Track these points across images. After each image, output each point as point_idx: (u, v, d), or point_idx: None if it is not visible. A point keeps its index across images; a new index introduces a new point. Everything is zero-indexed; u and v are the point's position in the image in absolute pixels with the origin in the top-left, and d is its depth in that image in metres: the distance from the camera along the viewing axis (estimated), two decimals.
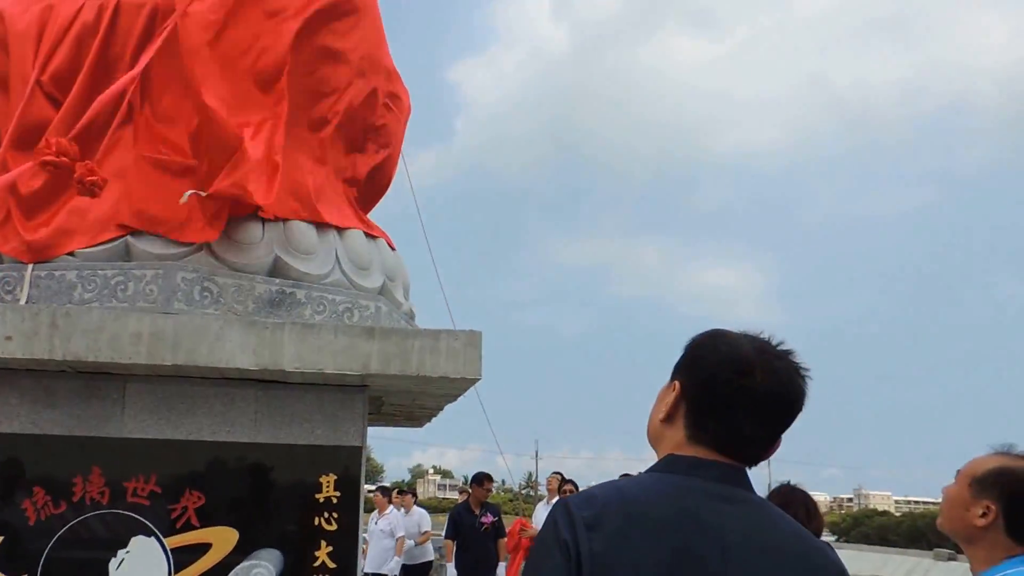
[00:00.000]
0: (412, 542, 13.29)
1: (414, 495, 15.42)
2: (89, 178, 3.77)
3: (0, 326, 3.73)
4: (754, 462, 1.89)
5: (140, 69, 4.24)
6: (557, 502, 1.87)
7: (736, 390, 1.82)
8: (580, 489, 11.17)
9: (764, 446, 1.87)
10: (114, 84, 4.22)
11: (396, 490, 15.35)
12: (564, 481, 11.42)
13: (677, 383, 1.92)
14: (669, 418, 1.92)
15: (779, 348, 1.89)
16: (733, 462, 1.85)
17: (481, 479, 11.53)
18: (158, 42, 4.29)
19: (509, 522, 11.97)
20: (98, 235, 4.27)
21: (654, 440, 1.97)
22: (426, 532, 13.62)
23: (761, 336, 1.90)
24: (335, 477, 4.31)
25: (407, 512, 13.90)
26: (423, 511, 14.16)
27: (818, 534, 3.65)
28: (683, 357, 1.95)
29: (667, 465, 1.87)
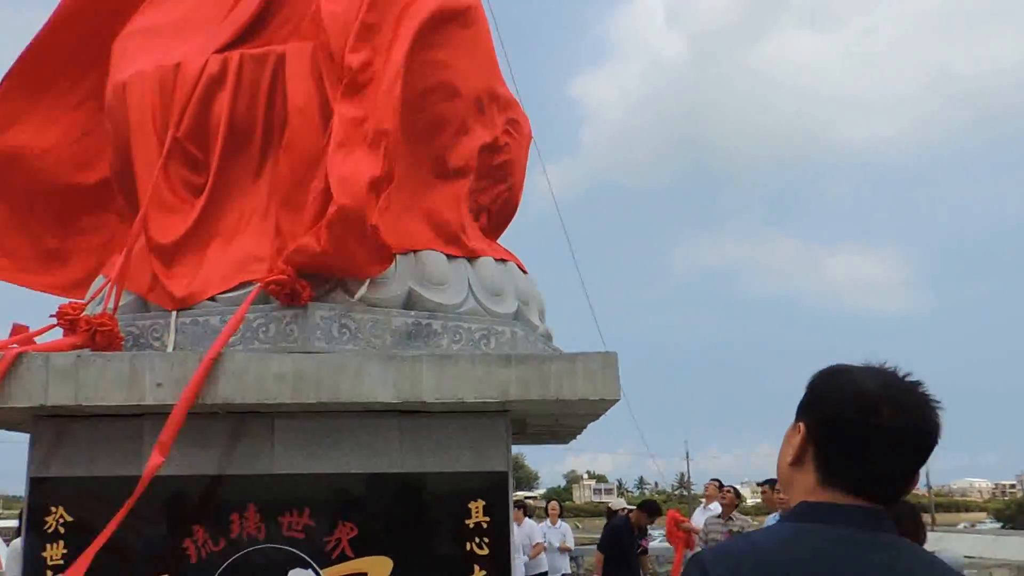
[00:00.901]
0: (526, 556, 13.06)
1: (526, 511, 15.06)
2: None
3: (151, 373, 3.88)
4: (892, 500, 1.77)
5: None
6: (691, 559, 1.78)
7: (863, 430, 1.72)
8: (733, 492, 10.86)
9: (901, 484, 1.76)
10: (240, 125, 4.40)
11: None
12: (722, 487, 11.18)
13: (802, 425, 1.82)
14: (798, 461, 1.82)
15: (906, 380, 1.77)
16: (870, 504, 1.73)
17: (652, 510, 11.77)
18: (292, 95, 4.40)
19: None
20: (236, 279, 4.40)
21: (785, 485, 1.87)
22: (537, 544, 13.26)
23: (886, 368, 1.79)
24: (483, 503, 4.30)
25: (551, 524, 13.89)
26: (567, 526, 14.12)
27: (922, 544, 3.46)
28: (805, 397, 1.85)
29: (801, 513, 1.76)
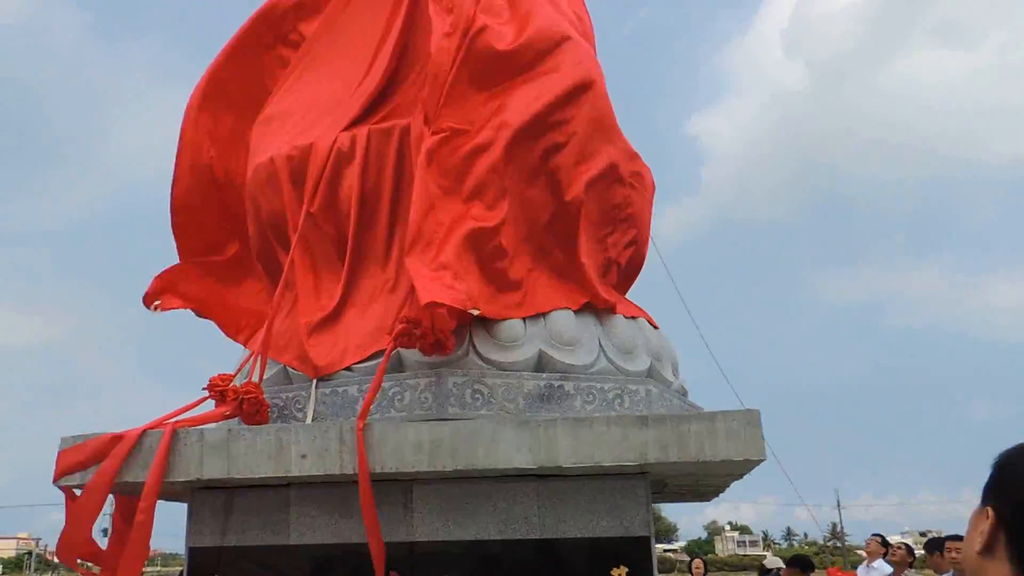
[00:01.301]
0: None
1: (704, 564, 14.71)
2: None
3: (295, 445, 3.99)
4: None
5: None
6: None
7: None
8: (905, 548, 10.20)
9: None
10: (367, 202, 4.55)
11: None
12: (886, 543, 10.55)
13: (990, 509, 1.66)
14: (987, 550, 1.65)
15: None
16: None
17: (805, 566, 11.31)
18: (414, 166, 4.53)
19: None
20: (371, 348, 4.49)
21: (973, 575, 1.69)
22: None
23: None
24: (626, 569, 4.19)
25: None
26: None
27: None
28: (992, 479, 1.69)
29: None
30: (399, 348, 4.27)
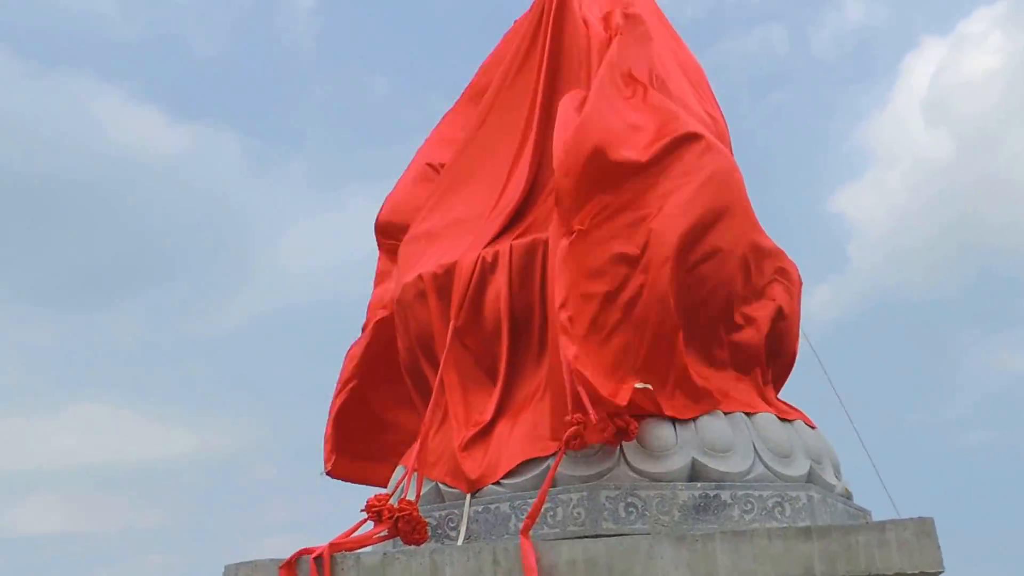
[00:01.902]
0: None
1: None
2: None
3: (450, 567, 3.98)
4: None
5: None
6: None
7: None
8: None
9: None
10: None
11: None
12: None
13: None
14: None
15: None
16: None
17: None
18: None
19: None
20: (523, 457, 4.50)
21: None
22: None
23: None
24: None
25: None
26: None
27: None
28: None
29: None
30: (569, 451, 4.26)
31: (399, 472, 5.08)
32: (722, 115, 5.80)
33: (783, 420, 4.76)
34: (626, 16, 5.34)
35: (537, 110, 5.46)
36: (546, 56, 5.57)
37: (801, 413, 5.03)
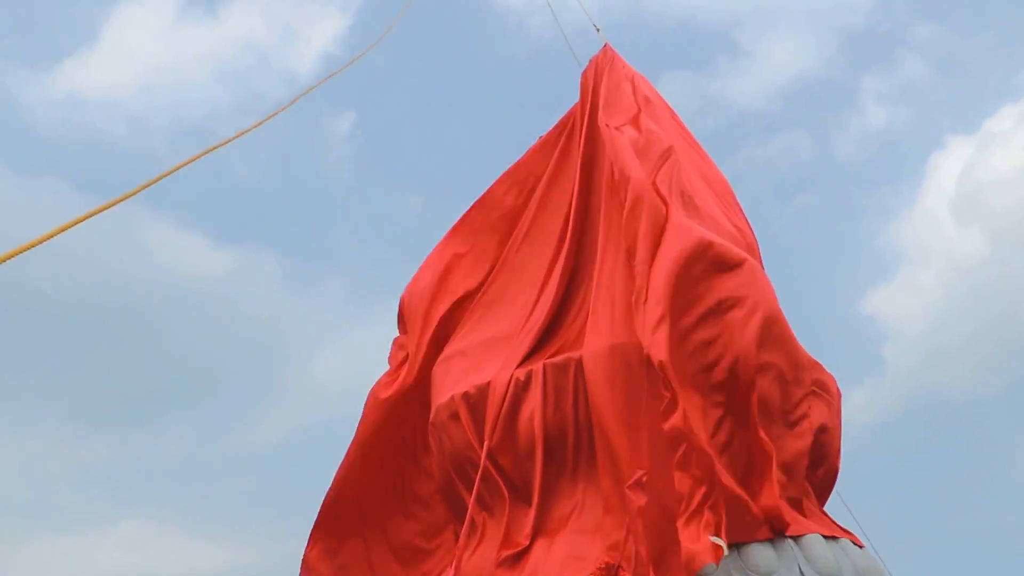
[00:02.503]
0: None
1: None
2: None
3: None
4: None
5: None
6: None
7: None
8: None
9: None
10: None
11: None
12: None
13: None
14: None
15: None
16: None
17: None
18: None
19: None
20: None
21: None
22: None
23: None
24: None
25: None
26: None
27: None
28: None
29: None
30: None
31: None
32: (749, 225, 5.84)
33: (829, 539, 4.60)
34: (653, 144, 5.48)
35: (568, 234, 5.56)
36: (577, 181, 5.70)
37: (848, 532, 4.88)
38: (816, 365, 5.04)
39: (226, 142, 5.25)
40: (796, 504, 4.72)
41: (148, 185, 4.12)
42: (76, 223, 3.56)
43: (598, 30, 6.51)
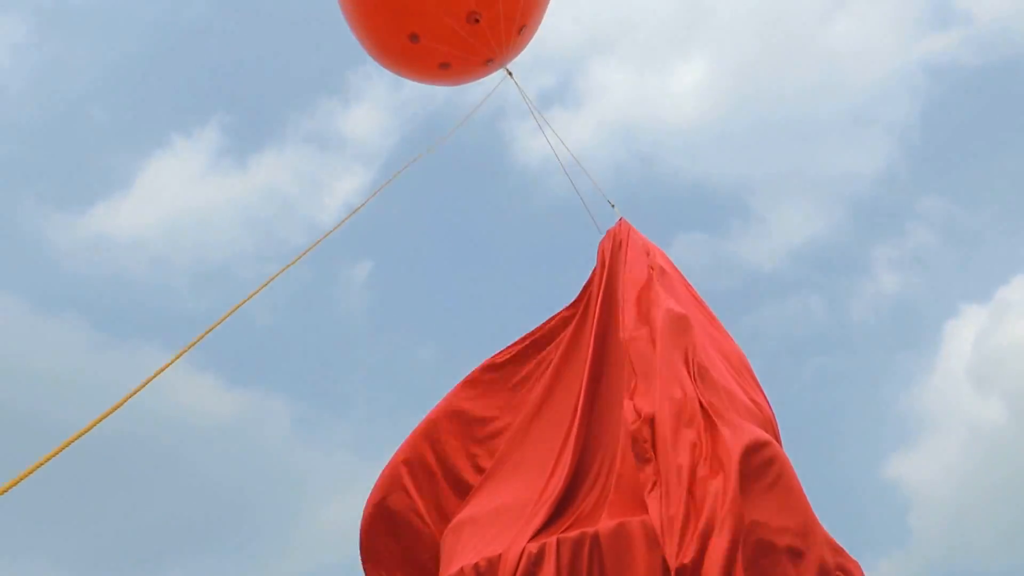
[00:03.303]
0: None
1: None
2: None
3: None
4: None
5: None
6: None
7: None
8: None
9: None
10: None
11: None
12: None
13: None
14: None
15: None
16: None
17: None
18: None
19: None
20: None
21: None
22: None
23: None
24: None
25: None
26: None
27: None
28: None
29: None
30: None
31: None
32: (766, 399, 5.83)
33: None
34: (668, 312, 5.56)
35: (581, 401, 5.56)
36: (591, 351, 5.76)
37: None
38: (839, 549, 4.92)
39: (256, 292, 5.39)
40: None
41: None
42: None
43: (612, 206, 6.71)
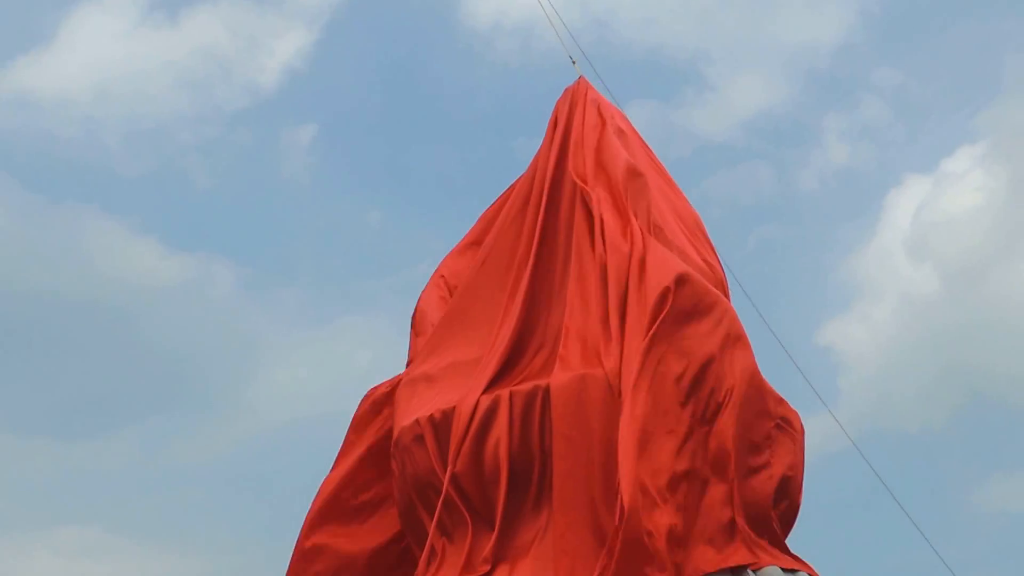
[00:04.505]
0: None
1: None
2: None
3: None
4: None
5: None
6: None
7: None
8: None
9: None
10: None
11: None
12: None
13: None
14: None
15: None
16: None
17: None
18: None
19: None
20: None
21: None
22: None
23: None
24: None
25: None
26: None
27: None
28: None
29: None
30: None
31: None
32: (718, 260, 5.91)
33: (787, 572, 4.67)
34: (626, 171, 5.55)
35: (531, 256, 5.56)
36: (543, 205, 5.70)
37: (807, 565, 4.95)
38: (781, 401, 5.12)
39: None
40: (756, 537, 4.78)
41: None
42: None
43: (574, 62, 6.55)
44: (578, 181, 5.57)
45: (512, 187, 6.26)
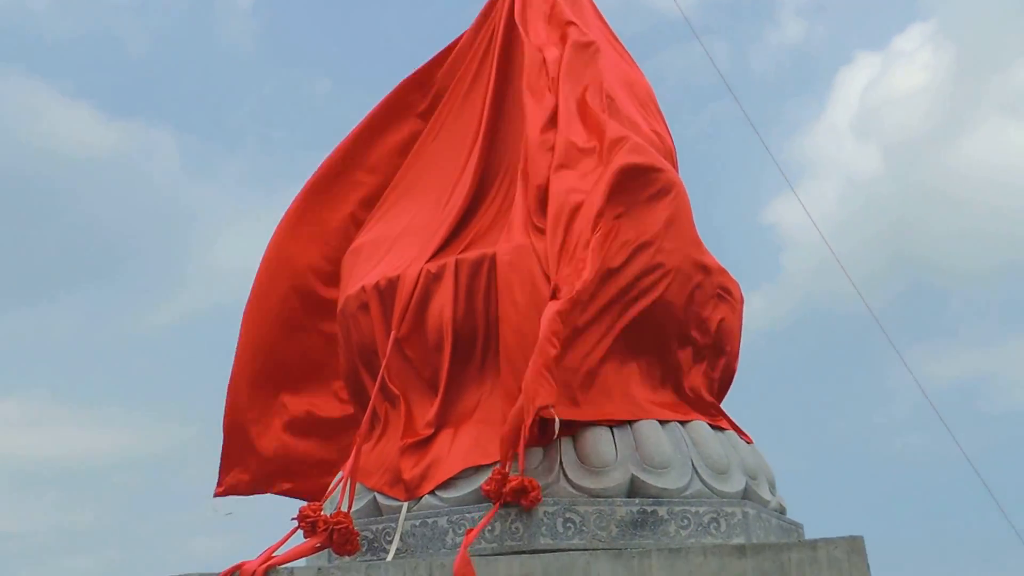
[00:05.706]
0: None
1: None
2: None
3: None
4: None
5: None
6: None
7: None
8: None
9: None
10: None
11: None
12: None
13: None
14: None
15: None
16: None
17: None
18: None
19: None
20: (465, 464, 4.50)
21: None
22: None
23: None
24: None
25: None
26: None
27: None
28: None
29: None
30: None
31: (335, 480, 5.02)
32: (668, 132, 5.86)
33: (720, 432, 4.82)
34: (575, 42, 5.44)
35: (483, 125, 5.49)
36: (493, 75, 5.64)
37: (738, 428, 5.11)
38: (722, 270, 5.18)
39: None
40: (693, 398, 4.91)
41: None
42: None
43: None
44: (529, 43, 5.44)
45: (457, 41, 6.13)
